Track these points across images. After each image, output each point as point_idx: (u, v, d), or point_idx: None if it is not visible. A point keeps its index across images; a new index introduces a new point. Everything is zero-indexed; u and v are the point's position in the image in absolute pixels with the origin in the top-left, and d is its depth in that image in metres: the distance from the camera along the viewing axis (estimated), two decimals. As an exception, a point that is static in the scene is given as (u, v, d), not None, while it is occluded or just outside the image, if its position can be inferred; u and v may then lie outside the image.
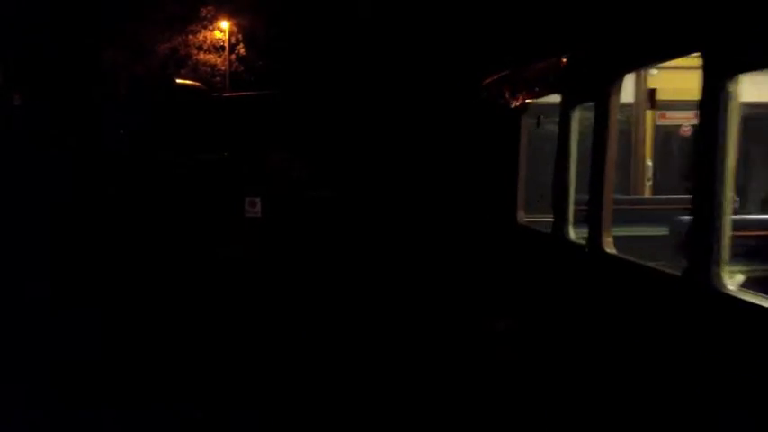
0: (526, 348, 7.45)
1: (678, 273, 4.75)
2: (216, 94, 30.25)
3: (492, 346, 8.51)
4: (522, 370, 7.52)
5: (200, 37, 37.79)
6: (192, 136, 22.76)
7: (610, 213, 5.75)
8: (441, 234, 13.99)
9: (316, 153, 20.85)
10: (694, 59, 6.68)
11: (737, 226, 4.71)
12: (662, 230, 7.16)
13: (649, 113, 8.36)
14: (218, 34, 38.06)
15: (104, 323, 10.83)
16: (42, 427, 7.46)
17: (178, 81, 29.43)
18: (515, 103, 8.11)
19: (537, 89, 7.65)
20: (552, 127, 7.95)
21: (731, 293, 4.18)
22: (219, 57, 38.14)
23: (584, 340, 6.13)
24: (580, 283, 6.24)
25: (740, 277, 4.87)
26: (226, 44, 37.93)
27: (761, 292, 4.13)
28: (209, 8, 37.40)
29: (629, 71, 5.84)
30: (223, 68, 38.00)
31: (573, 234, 6.50)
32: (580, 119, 6.50)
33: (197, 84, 29.65)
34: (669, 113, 8.57)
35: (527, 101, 7.84)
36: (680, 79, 7.50)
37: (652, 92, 5.59)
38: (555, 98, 7.15)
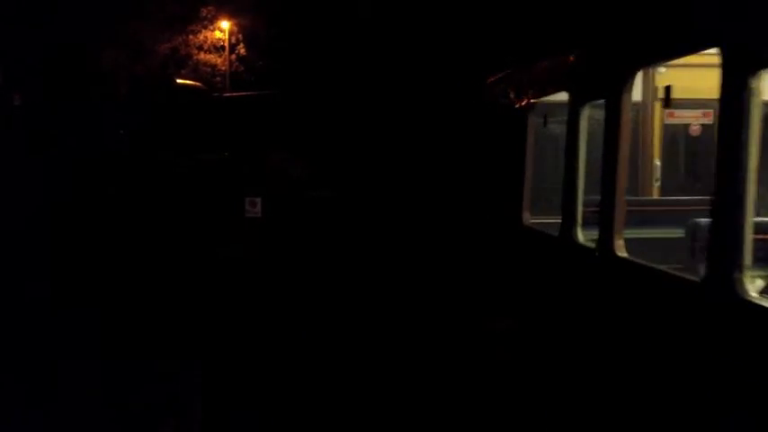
0: (532, 353, 7.21)
1: (696, 278, 4.50)
2: (216, 94, 30.20)
3: (495, 350, 8.33)
4: (527, 376, 7.29)
5: (201, 37, 37.70)
6: (193, 136, 22.68)
7: (622, 215, 5.50)
8: (443, 235, 13.83)
9: (316, 153, 20.76)
10: (703, 56, 6.45)
11: (756, 229, 4.46)
12: (671, 233, 6.94)
13: (657, 112, 8.15)
14: (218, 34, 37.99)
15: (104, 323, 10.74)
16: (42, 427, 7.42)
17: (178, 81, 29.36)
18: (521, 102, 7.87)
19: (543, 87, 7.41)
20: (555, 126, 7.78)
21: (755, 301, 3.93)
22: (220, 57, 38.07)
23: (592, 347, 5.88)
24: (589, 288, 5.98)
25: (761, 283, 4.61)
26: (226, 44, 37.85)
27: None
28: (210, 8, 37.31)
29: (642, 67, 5.59)
30: (223, 68, 37.93)
31: (581, 236, 6.25)
32: (589, 117, 6.26)
33: (197, 84, 29.55)
34: (678, 112, 8.33)
35: (533, 99, 7.59)
36: (688, 77, 7.28)
37: (667, 89, 5.32)
38: (562, 96, 6.96)
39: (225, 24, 37.89)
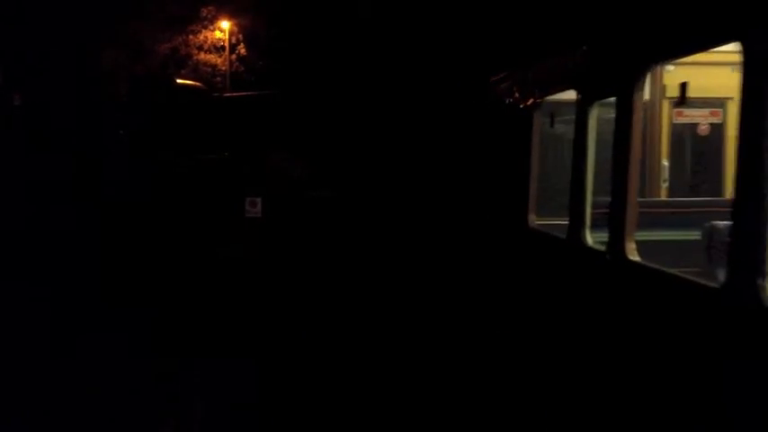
0: (541, 359, 6.95)
1: (714, 284, 4.25)
2: (216, 95, 30.08)
3: (497, 354, 8.10)
4: (533, 381, 7.06)
5: (201, 37, 37.56)
6: (193, 136, 22.55)
7: (634, 217, 5.25)
8: (445, 236, 13.63)
9: (316, 153, 20.65)
10: (713, 54, 6.21)
11: None
12: (681, 235, 6.70)
13: (666, 111, 7.92)
14: (218, 34, 37.86)
15: (104, 323, 10.74)
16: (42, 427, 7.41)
17: (178, 81, 29.23)
18: (526, 101, 7.62)
19: (550, 85, 7.16)
20: (558, 126, 7.55)
21: None
22: (220, 57, 37.93)
23: (604, 354, 5.62)
24: (599, 293, 5.72)
25: None
26: (226, 44, 37.70)
27: None
28: (210, 8, 37.18)
29: (656, 64, 5.34)
30: (223, 68, 37.78)
31: (590, 239, 6.00)
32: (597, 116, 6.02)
33: (197, 84, 29.42)
34: (686, 111, 8.10)
35: (539, 98, 7.35)
36: (697, 75, 7.02)
37: (683, 86, 5.07)
38: (568, 95, 6.73)
39: (225, 24, 37.74)
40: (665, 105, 8.07)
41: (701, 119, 8.13)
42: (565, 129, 7.86)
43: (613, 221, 5.39)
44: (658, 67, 7.04)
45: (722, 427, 4.08)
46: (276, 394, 8.08)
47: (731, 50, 7.16)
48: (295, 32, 33.10)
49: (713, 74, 7.46)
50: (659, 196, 8.03)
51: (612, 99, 5.60)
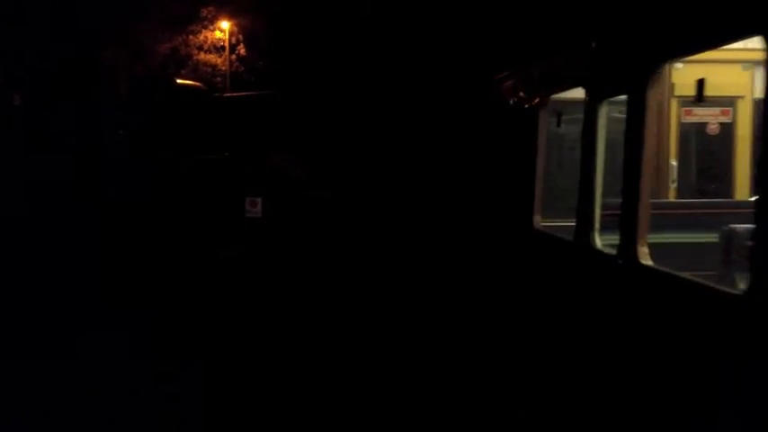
0: (548, 367, 6.70)
1: (734, 290, 4.00)
2: (216, 95, 29.96)
3: (500, 360, 7.88)
4: (540, 390, 6.82)
5: (201, 37, 37.46)
6: (193, 136, 22.45)
7: (646, 220, 5.00)
8: (447, 236, 13.43)
9: (316, 153, 20.51)
10: (723, 52, 5.94)
11: None
12: (692, 237, 6.46)
13: (674, 110, 7.69)
14: (218, 34, 37.78)
15: (104, 323, 10.69)
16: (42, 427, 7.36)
17: (178, 81, 29.19)
18: (531, 100, 7.37)
19: (556, 83, 6.90)
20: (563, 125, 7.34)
21: None
22: (220, 57, 37.84)
23: (614, 362, 5.36)
24: (609, 299, 5.46)
25: None
26: (226, 44, 37.61)
27: None
28: (210, 8, 37.09)
29: (671, 59, 5.08)
30: (224, 69, 37.69)
31: (599, 242, 5.75)
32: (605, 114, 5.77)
33: (197, 84, 29.33)
34: (695, 110, 7.86)
35: (545, 96, 7.09)
36: (706, 73, 6.77)
37: (700, 83, 4.81)
38: (574, 93, 6.48)
39: (225, 24, 37.65)
40: (674, 104, 7.84)
41: (711, 118, 7.88)
42: (566, 129, 7.66)
43: (625, 224, 5.13)
44: (672, 64, 6.77)
45: None
46: (276, 394, 8.01)
47: (741, 48, 6.93)
48: (295, 32, 33.00)
49: (723, 72, 7.22)
50: (668, 197, 7.78)
51: (622, 97, 5.37)
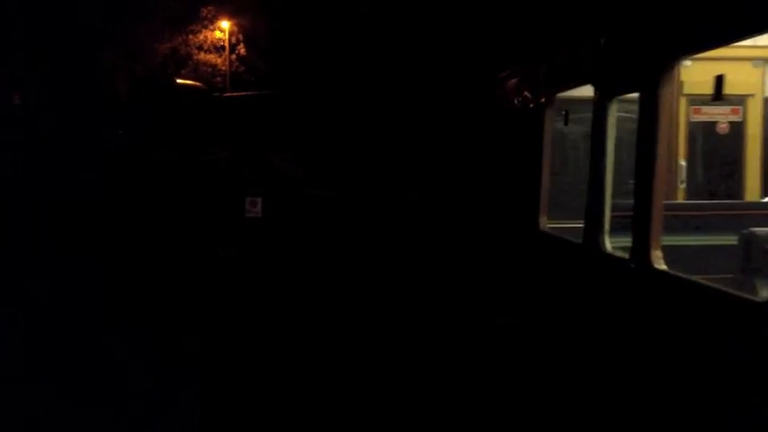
0: (553, 377, 6.44)
1: (758, 298, 3.75)
2: (216, 94, 29.75)
3: (503, 370, 7.68)
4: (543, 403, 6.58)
5: (201, 37, 37.38)
6: (193, 136, 22.24)
7: (660, 222, 4.75)
8: (448, 237, 13.25)
9: (316, 152, 20.37)
10: (734, 49, 5.68)
11: None
12: (704, 240, 6.21)
13: (683, 108, 7.45)
14: (218, 34, 37.71)
15: (105, 323, 10.64)
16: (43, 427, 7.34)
17: (178, 81, 29.01)
18: (536, 99, 7.12)
19: (563, 81, 6.65)
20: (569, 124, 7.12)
21: None
22: (220, 57, 37.77)
23: (621, 370, 5.10)
24: (619, 305, 5.20)
25: None
26: (226, 44, 37.53)
27: None
28: (210, 8, 37.02)
29: (686, 55, 4.82)
30: (223, 68, 37.62)
31: (609, 245, 5.49)
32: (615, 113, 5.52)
33: (197, 84, 29.14)
34: (704, 109, 7.62)
35: (551, 95, 6.84)
36: (716, 71, 6.54)
37: (719, 79, 4.56)
38: (581, 92, 6.24)
39: (225, 24, 37.57)
40: (683, 103, 7.59)
41: (721, 117, 7.64)
42: (568, 128, 7.44)
43: (637, 226, 4.88)
44: (683, 61, 6.52)
45: None
46: (276, 394, 7.96)
47: (751, 45, 6.67)
48: (295, 32, 32.92)
49: (733, 69, 6.97)
50: (677, 198, 7.53)
51: (633, 95, 5.12)
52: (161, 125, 23.06)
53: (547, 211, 6.96)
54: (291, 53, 33.11)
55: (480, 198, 10.34)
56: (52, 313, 11.12)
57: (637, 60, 5.05)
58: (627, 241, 5.20)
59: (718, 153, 7.83)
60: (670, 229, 6.28)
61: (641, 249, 4.83)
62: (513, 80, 8.06)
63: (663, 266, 4.69)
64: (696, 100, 7.59)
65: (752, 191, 7.37)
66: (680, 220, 6.15)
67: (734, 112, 7.59)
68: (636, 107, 6.95)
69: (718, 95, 4.49)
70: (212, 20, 37.33)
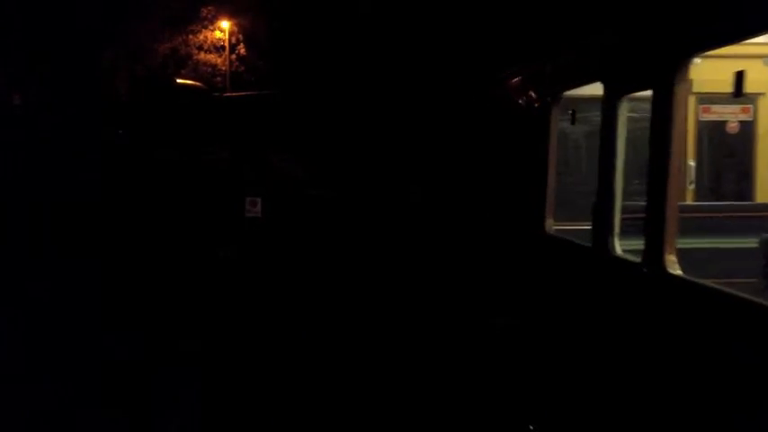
0: (560, 390, 6.20)
1: None
2: (216, 94, 29.69)
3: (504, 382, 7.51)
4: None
5: (201, 37, 37.32)
6: (193, 136, 22.20)
7: (674, 225, 4.51)
8: (450, 239, 13.08)
9: (316, 152, 20.35)
10: (742, 47, 5.44)
11: None
12: (715, 243, 5.98)
13: (692, 107, 7.21)
14: (218, 34, 37.67)
15: (105, 323, 10.65)
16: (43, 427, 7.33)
17: (178, 81, 28.93)
18: (542, 97, 6.89)
19: (570, 79, 6.41)
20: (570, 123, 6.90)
21: None
22: (220, 57, 37.72)
23: (633, 380, 4.86)
24: (630, 311, 4.96)
25: None
26: (226, 44, 37.46)
27: None
28: (210, 8, 36.96)
29: (704, 49, 4.58)
30: (223, 68, 37.57)
31: (620, 248, 5.26)
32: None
33: (197, 83, 29.12)
34: (714, 108, 7.38)
35: (557, 94, 6.60)
36: (726, 69, 6.31)
37: (739, 75, 4.32)
38: (587, 90, 6.01)
39: (225, 24, 37.51)
40: (692, 101, 7.35)
41: (731, 116, 7.40)
42: (571, 128, 7.24)
43: (650, 229, 4.65)
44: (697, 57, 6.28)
45: None
46: (276, 394, 7.93)
47: (763, 42, 6.41)
48: (295, 32, 32.85)
49: (743, 67, 6.72)
50: (685, 199, 7.29)
51: (642, 93, 4.90)
52: (161, 125, 22.96)
53: (553, 212, 6.72)
54: (291, 53, 33.06)
55: (483, 199, 10.15)
56: (52, 313, 11.10)
57: (650, 57, 4.81)
58: (637, 244, 4.98)
59: (728, 153, 7.59)
60: (682, 231, 6.05)
61: (654, 253, 4.59)
62: (518, 79, 7.84)
63: (678, 271, 4.46)
64: (705, 98, 7.34)
65: (763, 192, 7.13)
66: (692, 222, 5.91)
67: (744, 111, 7.35)
68: (641, 106, 6.76)
69: (738, 92, 4.26)
70: (212, 20, 37.26)
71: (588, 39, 5.85)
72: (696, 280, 4.31)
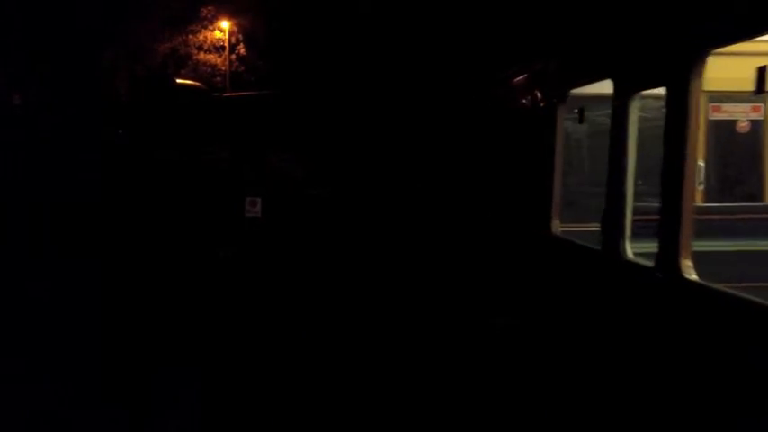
0: (568, 400, 5.98)
1: None
2: (216, 94, 29.61)
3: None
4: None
5: (201, 37, 37.21)
6: (193, 136, 22.14)
7: (690, 228, 4.30)
8: (452, 240, 12.92)
9: (316, 152, 20.29)
10: (753, 44, 5.23)
11: None
12: (727, 245, 5.78)
13: (702, 106, 6.98)
14: (218, 34, 37.57)
15: (105, 323, 10.57)
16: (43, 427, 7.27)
17: (178, 81, 28.84)
18: (547, 96, 6.67)
19: (577, 77, 6.20)
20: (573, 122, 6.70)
21: None
22: (220, 57, 37.61)
23: (646, 390, 4.64)
24: (643, 317, 4.73)
25: None
26: (226, 44, 37.37)
27: None
28: (210, 8, 36.84)
29: (722, 45, 4.36)
30: (223, 68, 37.46)
31: (631, 252, 5.04)
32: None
33: (197, 83, 29.03)
34: (724, 107, 7.17)
35: (563, 92, 6.39)
36: (735, 67, 6.11)
37: (761, 71, 4.10)
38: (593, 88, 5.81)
39: (225, 24, 37.41)
40: (701, 100, 7.13)
41: (741, 115, 7.19)
42: (575, 127, 7.06)
43: (664, 232, 4.43)
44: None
45: None
46: (276, 394, 7.84)
47: (772, 39, 6.14)
48: (295, 32, 32.80)
49: (754, 65, 6.50)
50: (695, 200, 7.08)
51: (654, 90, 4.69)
52: (161, 125, 22.92)
53: (559, 214, 6.50)
54: (291, 53, 32.98)
55: (485, 199, 9.97)
56: (52, 313, 11.03)
57: (664, 52, 4.59)
58: (648, 247, 4.77)
59: (738, 153, 7.38)
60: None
61: (669, 257, 4.37)
62: (522, 77, 7.64)
63: (694, 276, 4.24)
64: (714, 97, 7.13)
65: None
66: (704, 224, 5.69)
67: (755, 109, 7.14)
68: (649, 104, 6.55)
69: (760, 89, 4.04)
70: (212, 20, 37.13)
71: (597, 35, 5.64)
72: (714, 286, 4.09)
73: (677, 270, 4.28)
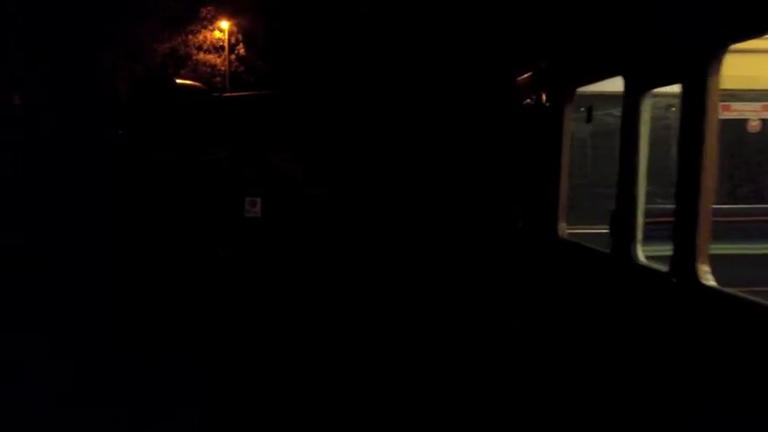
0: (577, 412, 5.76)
1: None
2: (216, 94, 29.49)
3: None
4: None
5: (200, 37, 37.13)
6: (193, 136, 22.01)
7: (707, 231, 4.08)
8: (452, 241, 12.79)
9: (317, 152, 20.14)
10: (763, 41, 5.03)
11: None
12: (738, 248, 5.56)
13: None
14: (217, 34, 37.51)
15: (104, 323, 10.60)
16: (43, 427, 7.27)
17: (178, 81, 28.69)
18: (554, 94, 6.46)
19: (585, 74, 5.98)
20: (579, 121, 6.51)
21: None
22: (219, 57, 37.55)
23: (662, 404, 4.41)
24: (657, 325, 4.51)
25: None
26: (226, 44, 37.30)
27: None
28: (209, 8, 36.77)
29: (744, 38, 4.14)
30: (223, 68, 37.40)
31: (643, 255, 4.82)
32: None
33: (197, 84, 28.87)
34: (735, 105, 6.96)
35: (570, 90, 6.17)
36: (746, 65, 5.90)
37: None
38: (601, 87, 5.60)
39: (224, 24, 37.35)
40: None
41: (752, 114, 6.98)
42: (577, 126, 6.86)
43: (680, 235, 4.21)
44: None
45: None
46: (277, 394, 7.83)
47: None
48: (294, 32, 32.78)
49: (765, 63, 6.30)
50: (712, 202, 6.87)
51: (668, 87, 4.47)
52: (161, 125, 22.85)
53: (566, 216, 6.28)
54: (291, 53, 32.92)
55: (487, 200, 9.80)
56: (52, 314, 11.01)
57: (680, 47, 4.37)
58: (659, 250, 4.55)
59: (748, 153, 7.17)
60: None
61: (684, 261, 4.15)
62: (527, 75, 7.43)
63: (711, 282, 4.02)
64: (724, 96, 6.92)
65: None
66: (719, 226, 5.47)
67: (766, 109, 6.94)
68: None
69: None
70: (212, 20, 37.06)
71: (606, 30, 5.42)
72: (735, 292, 3.87)
73: (694, 275, 4.07)
